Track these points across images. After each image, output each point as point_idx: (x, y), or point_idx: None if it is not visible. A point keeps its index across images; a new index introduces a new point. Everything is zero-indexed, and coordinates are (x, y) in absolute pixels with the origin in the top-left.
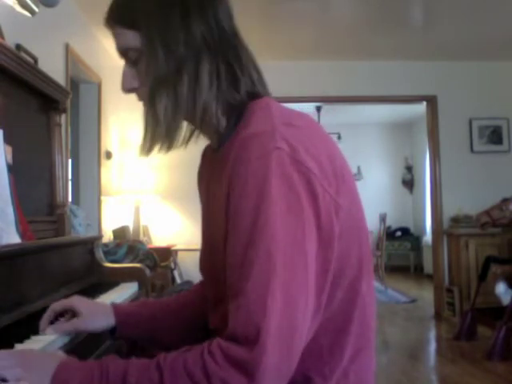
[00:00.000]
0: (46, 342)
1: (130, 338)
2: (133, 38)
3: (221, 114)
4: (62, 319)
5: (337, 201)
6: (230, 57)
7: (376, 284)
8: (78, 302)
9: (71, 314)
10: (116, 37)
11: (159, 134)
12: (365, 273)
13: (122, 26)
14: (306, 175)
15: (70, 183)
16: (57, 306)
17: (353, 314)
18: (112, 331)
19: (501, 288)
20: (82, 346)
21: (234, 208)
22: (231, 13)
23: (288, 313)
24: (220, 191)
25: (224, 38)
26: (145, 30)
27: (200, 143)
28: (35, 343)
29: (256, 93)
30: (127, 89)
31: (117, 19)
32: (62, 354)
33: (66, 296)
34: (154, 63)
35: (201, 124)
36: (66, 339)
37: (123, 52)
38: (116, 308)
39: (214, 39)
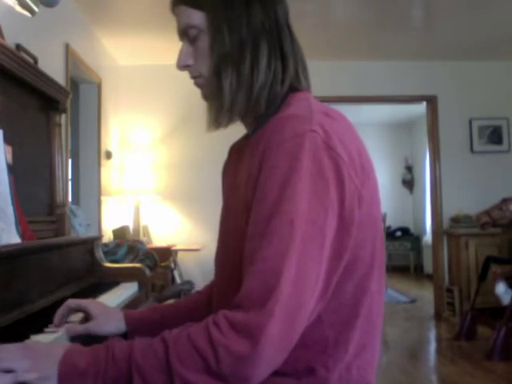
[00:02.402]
0: (46, 342)
1: None
2: (196, 17)
3: (266, 98)
4: (73, 319)
5: (361, 192)
6: (283, 46)
7: None
8: (92, 305)
9: (84, 316)
10: (179, 15)
11: (225, 107)
12: (376, 271)
13: (188, 4)
14: (336, 161)
15: (70, 183)
16: (72, 303)
17: (360, 310)
18: (125, 336)
19: (501, 288)
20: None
21: (263, 179)
22: (287, 8)
23: (299, 286)
24: (247, 175)
25: (279, 30)
26: (211, 10)
27: (201, 144)
28: None
29: (298, 86)
30: (182, 65)
31: None
32: (67, 344)
33: (66, 296)
34: (219, 40)
35: (251, 105)
36: (65, 341)
37: (184, 30)
38: (126, 314)
39: (272, 28)
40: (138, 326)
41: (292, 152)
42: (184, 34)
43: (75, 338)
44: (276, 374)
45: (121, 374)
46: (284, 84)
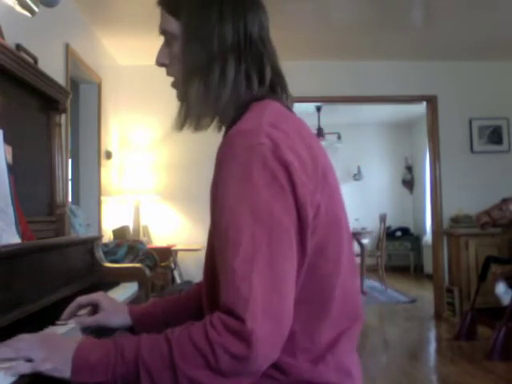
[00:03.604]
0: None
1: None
2: (172, 24)
3: (233, 110)
4: (83, 312)
5: (314, 195)
6: (251, 62)
7: (376, 284)
8: (102, 298)
9: (93, 308)
10: (160, 16)
11: (190, 113)
12: (344, 268)
13: (166, 10)
14: (287, 168)
15: (70, 183)
16: (82, 299)
17: (329, 306)
18: (130, 329)
19: (501, 288)
20: None
21: (219, 192)
22: (263, 23)
23: (275, 286)
24: (212, 189)
25: (250, 44)
26: (185, 22)
27: (201, 145)
28: None
29: (264, 96)
30: (159, 63)
31: (164, 3)
32: (80, 337)
33: (66, 296)
34: (190, 51)
35: (219, 115)
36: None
37: (161, 31)
38: (131, 308)
39: (240, 44)
40: (141, 320)
41: (243, 164)
42: (161, 34)
43: (86, 330)
44: None
45: (129, 370)
46: (251, 93)
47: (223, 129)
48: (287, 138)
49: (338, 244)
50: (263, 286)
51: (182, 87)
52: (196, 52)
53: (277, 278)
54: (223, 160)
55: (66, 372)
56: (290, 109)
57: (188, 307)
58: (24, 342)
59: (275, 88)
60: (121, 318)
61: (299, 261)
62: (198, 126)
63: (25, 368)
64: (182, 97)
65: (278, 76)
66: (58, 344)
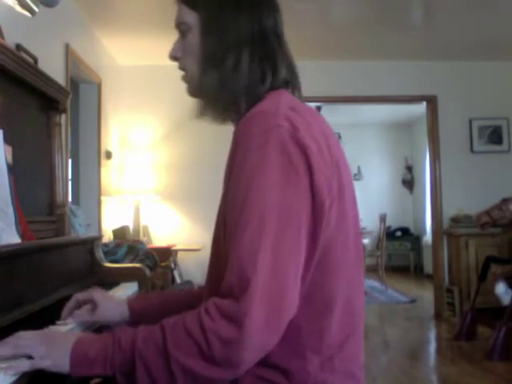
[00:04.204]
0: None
1: None
2: (189, 15)
3: (246, 98)
4: (82, 309)
5: (331, 183)
6: (265, 55)
7: (376, 284)
8: (98, 294)
9: (92, 305)
10: (177, 10)
11: (209, 103)
12: (351, 266)
13: (184, 3)
14: (305, 151)
15: (70, 183)
16: (80, 296)
17: (335, 303)
18: (129, 323)
19: (501, 288)
20: None
21: (235, 173)
22: (277, 18)
23: (278, 271)
24: (227, 169)
25: (264, 38)
26: (204, 13)
27: (201, 144)
28: None
29: (278, 88)
30: (172, 56)
31: None
32: (79, 333)
33: (66, 296)
34: (207, 41)
35: (233, 104)
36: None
37: (177, 24)
38: (130, 305)
39: (255, 37)
40: (139, 314)
41: (260, 145)
42: (177, 28)
43: (88, 328)
44: (256, 365)
45: (126, 360)
46: (264, 86)
47: (224, 123)
48: (306, 122)
49: (346, 240)
50: (266, 269)
51: (198, 78)
52: (213, 42)
53: (282, 262)
54: (240, 139)
55: (65, 367)
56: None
57: (190, 302)
58: (23, 340)
59: (288, 84)
60: (117, 314)
61: (310, 250)
62: (215, 116)
63: (24, 366)
64: (197, 87)
65: (292, 74)
66: (56, 340)
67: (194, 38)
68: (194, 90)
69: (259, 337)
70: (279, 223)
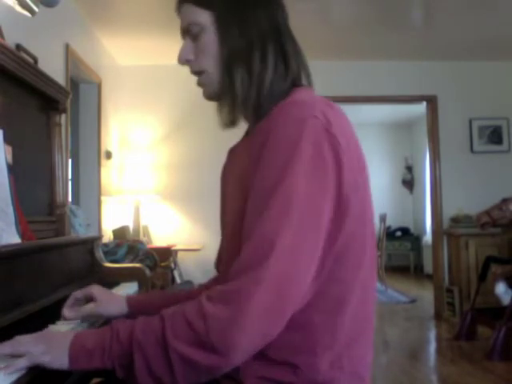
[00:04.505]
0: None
1: None
2: (201, 15)
3: (272, 94)
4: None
5: (357, 179)
6: (286, 47)
7: (376, 284)
8: (96, 290)
9: (91, 300)
10: (184, 13)
11: (238, 102)
12: (367, 265)
13: (195, 4)
14: (336, 147)
15: (70, 183)
16: (78, 293)
17: (349, 300)
18: (128, 317)
19: (501, 288)
20: None
21: (265, 159)
22: (286, 15)
23: (292, 259)
24: (248, 163)
25: (281, 31)
26: (221, 11)
27: (201, 144)
28: None
29: (300, 83)
30: (183, 59)
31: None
32: (77, 331)
33: (66, 296)
34: (229, 39)
35: (261, 101)
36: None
37: (187, 27)
38: (129, 298)
39: (275, 29)
40: (138, 307)
41: (294, 134)
42: (187, 31)
43: (91, 326)
44: (264, 359)
45: (124, 351)
46: (287, 81)
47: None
48: (339, 118)
49: (363, 239)
50: (282, 254)
51: (226, 78)
52: (235, 38)
53: (297, 252)
54: (274, 125)
55: (64, 361)
56: None
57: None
58: (23, 339)
59: (301, 76)
60: (115, 308)
61: (329, 243)
62: (246, 116)
63: (23, 362)
64: (227, 88)
65: (305, 67)
66: (55, 338)
67: (210, 37)
68: (215, 92)
69: (259, 322)
70: (302, 213)
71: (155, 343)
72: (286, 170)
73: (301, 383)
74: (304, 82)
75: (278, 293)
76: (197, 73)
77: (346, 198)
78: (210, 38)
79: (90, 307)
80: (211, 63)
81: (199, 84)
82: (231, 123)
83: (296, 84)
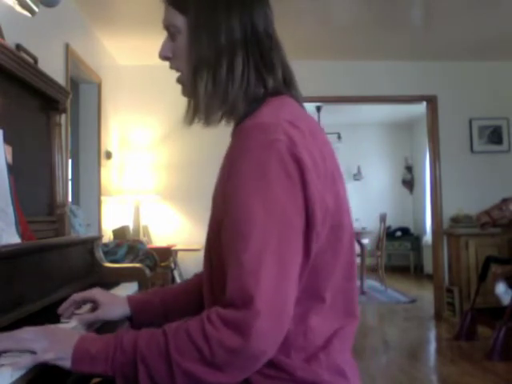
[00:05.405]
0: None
1: (147, 323)
2: (177, 18)
3: (245, 104)
4: (83, 309)
5: (324, 196)
6: (259, 56)
7: (376, 284)
8: (98, 293)
9: (93, 305)
10: (165, 12)
11: (199, 108)
12: (338, 270)
13: (173, 6)
14: (301, 166)
15: (70, 183)
16: (77, 296)
17: (319, 304)
18: (130, 319)
19: (501, 288)
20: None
21: (233, 185)
22: (269, 18)
23: (281, 283)
24: (222, 175)
25: (257, 38)
26: (192, 16)
27: (201, 144)
28: None
29: (279, 91)
30: (163, 56)
31: (170, 0)
32: (82, 332)
33: (66, 296)
34: (196, 45)
35: (228, 110)
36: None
37: (166, 26)
38: (130, 298)
39: (248, 38)
40: (141, 309)
41: (259, 159)
42: (167, 29)
43: (89, 328)
44: None
45: (127, 360)
46: (263, 89)
47: (228, 124)
48: (303, 136)
49: (336, 247)
50: (269, 283)
51: (190, 82)
52: (203, 46)
53: (283, 277)
54: (238, 152)
55: (67, 361)
56: (302, 106)
57: (188, 300)
58: (27, 333)
59: (286, 83)
60: (120, 310)
61: (303, 263)
62: (208, 121)
63: (27, 362)
64: (190, 91)
65: (287, 71)
66: (59, 335)
67: (184, 41)
68: (188, 93)
69: (264, 347)
70: (280, 239)
71: (159, 356)
72: (257, 194)
73: (283, 377)
74: (285, 86)
75: (276, 318)
76: (174, 70)
77: (312, 214)
78: (183, 42)
79: (94, 315)
80: (184, 65)
81: (177, 81)
82: (188, 123)
83: (273, 91)
